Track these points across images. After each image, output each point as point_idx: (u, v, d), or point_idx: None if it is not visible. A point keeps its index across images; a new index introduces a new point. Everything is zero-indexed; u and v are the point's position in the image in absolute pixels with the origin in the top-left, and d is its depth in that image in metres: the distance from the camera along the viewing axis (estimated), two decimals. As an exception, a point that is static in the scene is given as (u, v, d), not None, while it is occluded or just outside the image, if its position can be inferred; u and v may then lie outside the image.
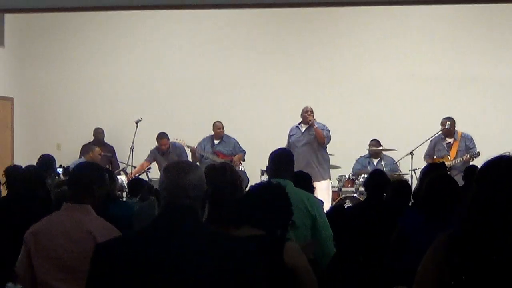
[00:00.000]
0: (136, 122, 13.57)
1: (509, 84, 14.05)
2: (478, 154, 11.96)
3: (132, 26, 15.25)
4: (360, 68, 14.51)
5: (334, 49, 14.66)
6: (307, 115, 12.26)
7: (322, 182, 11.83)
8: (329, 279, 5.84)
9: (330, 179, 12.41)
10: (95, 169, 4.81)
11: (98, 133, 14.46)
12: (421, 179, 6.83)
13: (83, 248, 4.42)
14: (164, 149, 13.40)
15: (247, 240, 3.07)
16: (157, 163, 13.28)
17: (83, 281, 4.06)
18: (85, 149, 13.62)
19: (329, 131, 12.27)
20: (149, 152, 13.53)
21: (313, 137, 12.21)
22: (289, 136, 12.41)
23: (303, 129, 12.34)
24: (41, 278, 4.53)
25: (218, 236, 3.01)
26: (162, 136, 13.44)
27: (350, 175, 12.60)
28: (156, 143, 13.44)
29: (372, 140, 13.08)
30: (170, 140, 13.45)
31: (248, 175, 12.48)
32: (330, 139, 12.27)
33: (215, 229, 3.12)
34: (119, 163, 14.06)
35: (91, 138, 14.36)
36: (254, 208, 4.33)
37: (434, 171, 6.83)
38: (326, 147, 12.35)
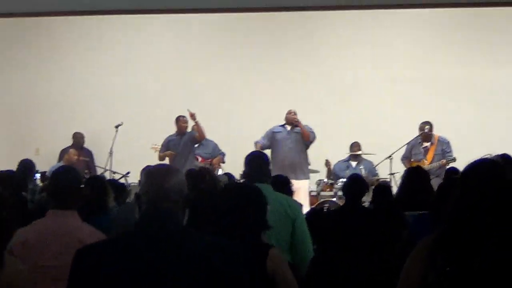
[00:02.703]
0: (116, 127, 13.46)
1: (487, 88, 14.14)
2: (454, 159, 12.02)
3: (111, 30, 15.19)
4: (339, 72, 14.54)
5: (313, 54, 14.67)
6: (291, 116, 12.29)
7: (305, 180, 11.99)
8: (308, 284, 5.83)
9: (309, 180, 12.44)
10: (77, 174, 4.76)
11: (77, 138, 14.29)
12: (403, 184, 6.87)
13: None
14: (184, 129, 13.01)
15: (232, 244, 3.03)
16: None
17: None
18: (63, 153, 13.52)
19: (313, 132, 12.35)
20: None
21: (299, 137, 12.24)
22: (273, 133, 12.30)
23: (289, 129, 12.34)
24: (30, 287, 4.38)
25: (202, 240, 2.98)
26: (180, 116, 13.03)
27: (329, 179, 12.62)
28: (176, 126, 13.03)
29: (354, 142, 13.12)
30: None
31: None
32: (315, 136, 12.32)
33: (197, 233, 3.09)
34: (97, 167, 13.94)
35: (71, 143, 14.24)
36: (225, 213, 4.13)
37: (415, 175, 6.90)
38: (307, 153, 12.37)
